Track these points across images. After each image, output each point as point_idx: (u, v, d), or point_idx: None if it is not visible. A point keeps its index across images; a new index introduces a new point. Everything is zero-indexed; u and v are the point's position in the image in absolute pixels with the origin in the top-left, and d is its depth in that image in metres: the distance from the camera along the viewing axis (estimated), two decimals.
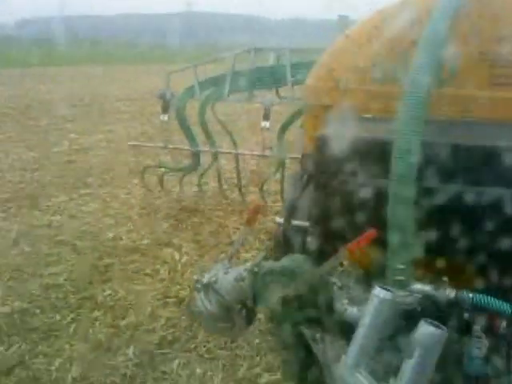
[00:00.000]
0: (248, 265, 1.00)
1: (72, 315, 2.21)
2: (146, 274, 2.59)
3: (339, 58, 1.16)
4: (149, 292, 2.40)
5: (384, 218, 0.85)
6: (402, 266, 0.83)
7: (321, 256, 1.02)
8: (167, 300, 2.33)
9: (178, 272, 2.60)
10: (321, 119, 1.13)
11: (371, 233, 0.83)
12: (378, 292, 0.75)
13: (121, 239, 3.02)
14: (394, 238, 0.83)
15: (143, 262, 2.71)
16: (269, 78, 3.26)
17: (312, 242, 1.05)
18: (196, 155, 3.40)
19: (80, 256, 2.79)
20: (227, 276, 1.02)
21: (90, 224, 3.26)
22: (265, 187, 3.28)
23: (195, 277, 1.06)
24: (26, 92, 9.77)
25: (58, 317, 2.19)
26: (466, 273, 0.86)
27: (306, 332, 0.94)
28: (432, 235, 0.85)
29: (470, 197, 0.82)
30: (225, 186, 3.73)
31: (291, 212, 1.19)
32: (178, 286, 2.44)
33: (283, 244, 1.18)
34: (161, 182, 3.66)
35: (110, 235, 3.06)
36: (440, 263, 0.87)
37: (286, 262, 0.97)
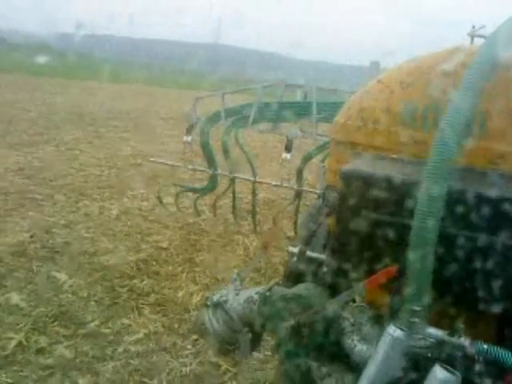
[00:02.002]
0: (260, 288, 1.00)
1: (180, 268, 3.04)
2: (226, 245, 3.52)
3: (370, 99, 1.20)
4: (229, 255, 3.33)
5: (403, 259, 0.85)
6: (417, 309, 0.82)
7: (333, 290, 1.02)
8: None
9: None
10: (346, 155, 1.16)
11: (390, 270, 0.83)
12: (393, 331, 0.75)
13: (199, 224, 3.81)
14: (412, 279, 0.83)
15: (223, 238, 3.62)
16: (294, 113, 3.33)
17: (326, 275, 1.04)
18: (214, 178, 3.45)
19: (172, 231, 3.66)
20: (238, 297, 1.02)
21: (172, 211, 3.78)
22: (279, 217, 3.33)
23: (207, 295, 1.06)
24: (78, 102, 10.95)
25: (170, 267, 3.03)
26: (483, 323, 0.85)
27: (312, 365, 0.92)
28: (452, 282, 0.84)
29: (493, 247, 0.82)
30: (239, 213, 3.76)
31: (307, 243, 1.19)
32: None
33: (296, 274, 1.18)
34: (176, 200, 3.70)
35: (191, 220, 3.86)
36: (456, 311, 0.86)
37: (298, 289, 0.97)
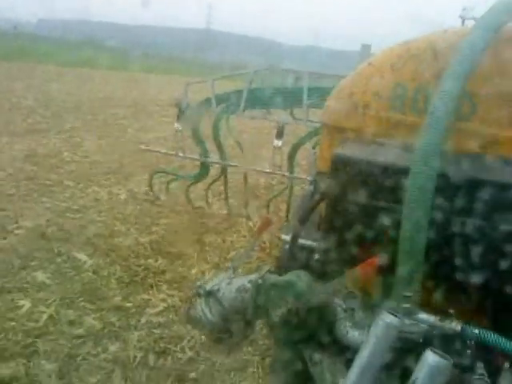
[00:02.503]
0: (252, 276, 1.00)
1: (191, 248, 3.19)
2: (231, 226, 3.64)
3: (361, 83, 1.18)
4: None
5: (395, 244, 0.85)
6: (409, 294, 0.82)
7: (326, 276, 1.02)
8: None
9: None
10: (337, 140, 1.14)
11: (381, 256, 0.82)
12: (385, 316, 0.75)
13: (203, 208, 3.85)
14: (403, 265, 0.83)
15: (228, 220, 3.72)
16: (285, 98, 3.30)
17: (318, 261, 1.04)
18: (205, 165, 3.42)
19: (179, 215, 3.75)
20: (230, 286, 1.02)
21: (179, 196, 3.87)
22: (271, 204, 3.33)
23: (198, 283, 1.06)
24: (73, 90, 10.97)
25: (181, 248, 3.17)
26: (475, 307, 0.85)
27: (305, 352, 0.92)
28: (442, 266, 0.84)
29: (484, 231, 0.82)
30: (231, 200, 3.76)
31: (299, 230, 1.19)
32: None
33: (288, 261, 1.17)
34: (166, 188, 3.69)
35: (196, 205, 3.84)
36: (448, 295, 0.86)
37: (290, 277, 0.96)
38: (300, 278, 0.96)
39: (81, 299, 2.44)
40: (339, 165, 0.97)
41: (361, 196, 0.94)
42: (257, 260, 2.97)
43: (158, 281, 2.72)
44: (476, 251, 0.84)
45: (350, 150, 1.01)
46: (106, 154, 5.60)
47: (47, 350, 2.01)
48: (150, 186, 3.82)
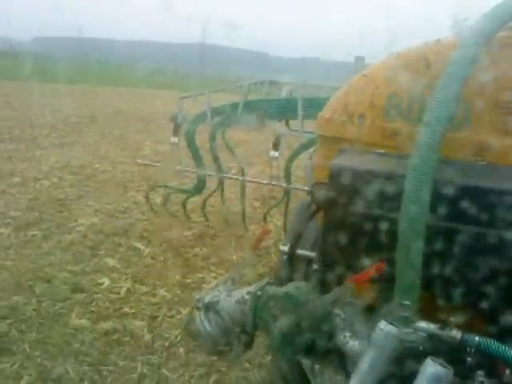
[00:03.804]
0: (251, 288, 0.99)
1: (227, 240, 3.66)
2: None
3: (355, 94, 1.20)
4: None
5: (393, 253, 0.85)
6: (408, 303, 0.82)
7: (324, 286, 1.01)
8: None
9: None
10: (333, 151, 1.15)
11: (379, 266, 0.82)
12: (384, 326, 0.74)
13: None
14: (401, 274, 0.83)
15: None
16: (280, 110, 3.32)
17: (316, 272, 1.04)
18: (202, 179, 3.42)
19: (211, 215, 3.78)
20: (229, 298, 1.01)
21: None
22: (268, 216, 3.35)
23: (196, 296, 1.05)
24: (82, 106, 11.48)
25: (219, 240, 3.68)
26: (474, 316, 0.85)
27: (305, 362, 0.91)
28: (441, 275, 0.84)
29: (481, 239, 0.82)
30: (227, 212, 3.77)
31: (296, 241, 1.19)
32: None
33: (286, 272, 1.17)
34: (164, 201, 3.68)
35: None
36: (447, 304, 0.86)
37: (289, 288, 0.96)
38: (299, 289, 0.95)
39: (148, 277, 2.98)
40: (337, 175, 0.97)
41: (359, 205, 0.95)
42: (255, 271, 3.15)
43: (207, 263, 3.25)
44: (472, 258, 0.84)
45: (348, 160, 1.01)
46: (131, 165, 5.98)
47: (133, 312, 2.55)
48: (148, 199, 3.82)
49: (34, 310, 2.53)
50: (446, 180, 0.88)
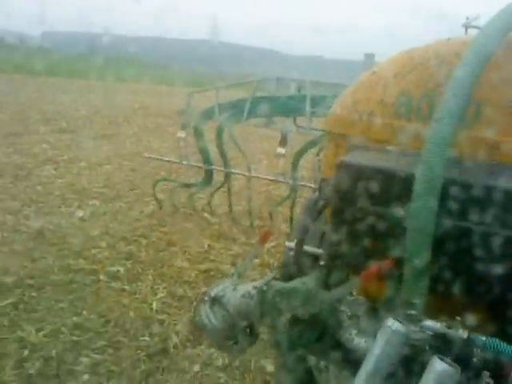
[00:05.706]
0: (257, 283, 0.99)
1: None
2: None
3: (365, 91, 1.19)
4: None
5: (400, 251, 0.84)
6: (415, 301, 0.81)
7: (330, 283, 1.01)
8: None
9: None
10: (342, 147, 1.15)
11: (386, 263, 0.82)
12: (391, 323, 0.74)
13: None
14: (409, 272, 0.82)
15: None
16: (288, 107, 3.32)
17: (323, 268, 1.04)
18: (209, 173, 3.44)
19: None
20: (235, 292, 1.01)
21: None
22: (275, 211, 3.35)
23: (204, 289, 1.06)
24: (109, 101, 11.92)
25: (236, 231, 3.86)
26: (481, 315, 0.85)
27: (310, 359, 0.92)
28: (449, 273, 0.84)
29: (489, 238, 0.82)
30: (234, 208, 3.78)
31: (303, 237, 1.19)
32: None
33: (292, 268, 1.17)
34: (171, 196, 3.70)
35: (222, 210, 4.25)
36: (455, 302, 0.86)
37: (296, 284, 0.96)
38: (305, 285, 0.95)
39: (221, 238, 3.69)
40: (345, 172, 0.97)
41: (367, 202, 0.94)
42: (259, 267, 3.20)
43: (229, 249, 3.56)
44: (482, 258, 0.84)
45: (357, 157, 1.01)
46: (174, 156, 6.55)
47: (219, 260, 3.24)
48: (154, 194, 3.84)
49: (145, 255, 3.28)
50: (456, 179, 0.87)
